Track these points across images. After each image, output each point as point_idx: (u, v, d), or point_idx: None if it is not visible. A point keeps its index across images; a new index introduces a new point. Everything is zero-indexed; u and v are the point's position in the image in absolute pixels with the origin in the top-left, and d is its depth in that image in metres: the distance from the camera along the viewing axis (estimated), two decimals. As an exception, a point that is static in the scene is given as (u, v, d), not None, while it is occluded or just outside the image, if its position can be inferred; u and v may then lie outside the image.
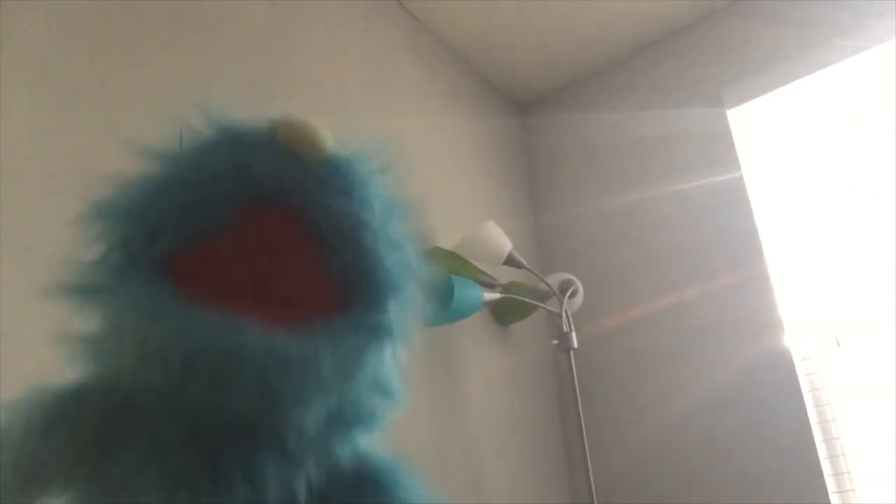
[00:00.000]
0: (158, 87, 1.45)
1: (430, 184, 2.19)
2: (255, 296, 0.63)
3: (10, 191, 1.14)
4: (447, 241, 2.14)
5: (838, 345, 2.03)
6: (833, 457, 1.96)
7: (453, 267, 1.97)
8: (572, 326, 2.02)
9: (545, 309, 2.07)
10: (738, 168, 2.29)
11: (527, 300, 2.07)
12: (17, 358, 1.02)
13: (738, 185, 2.28)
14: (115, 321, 0.59)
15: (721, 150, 2.35)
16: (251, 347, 0.56)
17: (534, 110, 2.88)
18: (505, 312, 2.24)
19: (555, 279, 2.17)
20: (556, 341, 2.01)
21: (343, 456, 0.67)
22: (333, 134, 0.72)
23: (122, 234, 0.62)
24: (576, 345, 1.98)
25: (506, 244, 2.04)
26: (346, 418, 0.66)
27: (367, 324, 0.66)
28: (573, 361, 1.98)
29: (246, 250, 0.64)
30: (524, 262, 2.07)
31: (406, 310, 0.71)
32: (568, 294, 2.09)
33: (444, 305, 1.79)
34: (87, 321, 0.60)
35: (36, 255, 1.12)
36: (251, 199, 0.65)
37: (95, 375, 0.61)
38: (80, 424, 0.58)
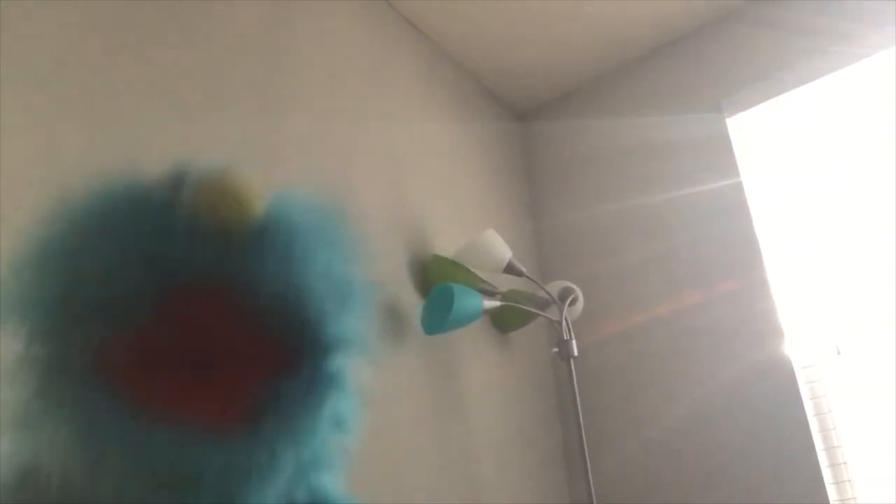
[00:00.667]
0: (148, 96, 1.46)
1: (430, 191, 2.19)
2: (194, 383, 0.59)
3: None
4: (447, 249, 2.14)
5: (839, 353, 2.02)
6: (834, 465, 1.96)
7: (453, 275, 1.97)
8: (572, 334, 2.02)
9: (545, 317, 2.07)
10: (738, 175, 2.30)
11: (527, 308, 2.07)
12: None
13: (738, 191, 2.28)
14: (55, 449, 0.55)
15: (720, 157, 2.35)
16: (209, 464, 0.54)
17: (534, 118, 2.88)
18: (505, 320, 2.24)
19: (555, 287, 2.17)
20: (556, 349, 2.01)
21: (300, 497, 0.65)
22: (264, 183, 0.66)
23: (41, 331, 0.58)
24: (576, 353, 1.98)
25: (506, 252, 2.04)
26: (303, 465, 0.64)
27: (319, 375, 0.63)
28: (573, 369, 1.97)
29: (176, 336, 0.60)
30: (524, 269, 2.07)
31: (359, 343, 0.68)
32: (568, 302, 2.09)
33: (444, 313, 1.79)
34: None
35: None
36: (174, 284, 0.61)
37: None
38: None
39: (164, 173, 0.66)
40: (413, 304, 1.94)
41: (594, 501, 1.83)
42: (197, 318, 0.61)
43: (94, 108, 1.32)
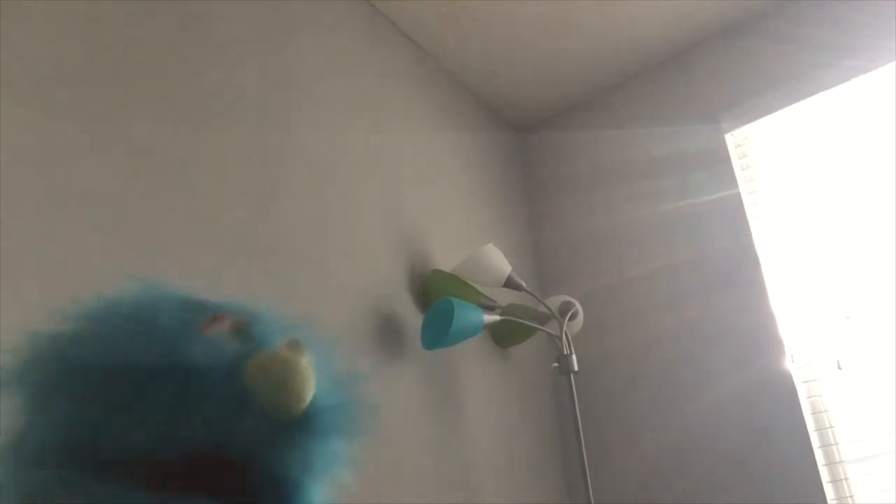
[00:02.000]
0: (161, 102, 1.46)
1: (430, 206, 2.19)
2: None
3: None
4: (447, 264, 2.14)
5: (840, 368, 2.02)
6: (836, 481, 1.95)
7: (453, 289, 1.97)
8: (572, 349, 2.01)
9: (545, 331, 2.06)
10: (737, 188, 2.30)
11: (527, 323, 2.07)
12: None
13: (737, 205, 2.28)
14: None
15: (719, 170, 2.35)
16: None
17: (533, 131, 2.89)
18: (505, 335, 2.23)
19: (554, 301, 2.16)
20: (556, 364, 2.00)
21: None
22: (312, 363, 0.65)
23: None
24: (576, 367, 1.97)
25: (505, 267, 2.03)
26: None
27: None
28: (573, 384, 1.97)
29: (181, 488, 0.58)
30: (524, 284, 2.07)
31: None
32: (568, 316, 2.08)
33: (444, 328, 1.78)
34: None
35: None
36: (200, 450, 0.59)
37: None
38: None
39: (225, 318, 0.65)
40: (413, 318, 1.93)
41: (595, 518, 1.81)
42: (205, 484, 0.59)
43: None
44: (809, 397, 2.04)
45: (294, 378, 0.63)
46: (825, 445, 1.99)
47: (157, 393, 0.58)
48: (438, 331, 1.81)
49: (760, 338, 2.12)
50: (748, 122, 2.36)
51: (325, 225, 1.78)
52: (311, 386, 0.64)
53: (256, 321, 0.67)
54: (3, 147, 1.15)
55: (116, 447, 0.57)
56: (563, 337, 2.02)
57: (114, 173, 1.33)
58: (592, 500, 1.84)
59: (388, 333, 1.84)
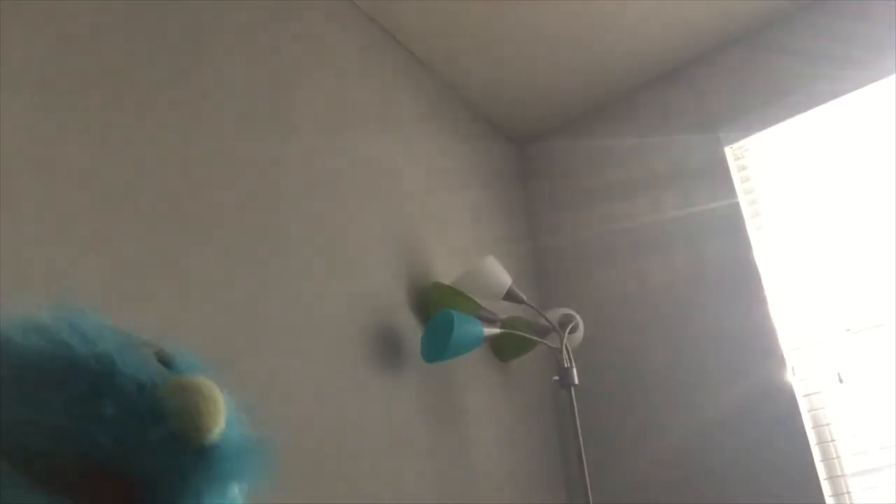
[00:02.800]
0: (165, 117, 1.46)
1: (430, 218, 2.19)
2: None
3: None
4: (447, 276, 2.14)
5: (841, 381, 2.01)
6: (838, 494, 1.94)
7: (453, 302, 1.97)
8: (573, 362, 2.01)
9: (545, 344, 2.06)
10: (736, 200, 2.30)
11: (527, 335, 2.07)
12: None
13: (737, 218, 2.28)
14: None
15: (719, 184, 2.35)
16: None
17: (532, 144, 2.90)
18: (505, 348, 2.23)
19: (555, 314, 2.16)
20: (556, 377, 2.00)
21: None
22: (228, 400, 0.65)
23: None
24: (577, 381, 1.97)
25: (506, 279, 2.03)
26: None
27: None
28: (574, 397, 1.96)
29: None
30: (524, 297, 2.07)
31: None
32: (568, 329, 2.08)
33: (444, 341, 1.78)
34: None
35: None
36: (101, 458, 0.58)
37: None
38: None
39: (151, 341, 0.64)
40: (413, 331, 1.93)
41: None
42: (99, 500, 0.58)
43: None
44: (810, 410, 2.04)
45: (210, 405, 0.61)
46: (827, 459, 1.98)
47: (66, 389, 0.57)
48: (438, 343, 1.81)
49: (761, 350, 2.11)
50: (748, 134, 2.36)
51: (325, 237, 1.78)
52: (223, 418, 0.62)
53: (179, 355, 0.66)
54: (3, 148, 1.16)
55: (15, 441, 0.55)
56: (564, 350, 2.01)
57: (111, 183, 1.33)
58: (593, 514, 1.83)
59: (388, 346, 1.83)
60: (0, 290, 1.04)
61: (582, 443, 1.92)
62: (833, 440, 1.99)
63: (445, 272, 2.15)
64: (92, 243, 1.26)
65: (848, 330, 2.04)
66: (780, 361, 2.08)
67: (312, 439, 1.52)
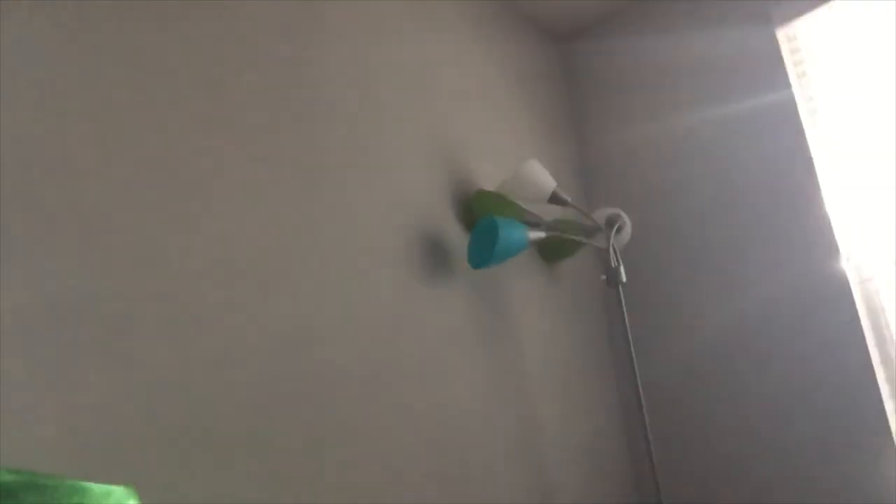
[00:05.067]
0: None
1: (471, 124, 2.18)
2: None
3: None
4: (491, 182, 2.14)
5: (896, 266, 1.98)
6: (891, 378, 1.94)
7: (497, 208, 1.98)
8: (620, 261, 2.01)
9: (592, 245, 2.06)
10: (789, 87, 2.21)
11: (573, 237, 2.07)
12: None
13: (790, 105, 2.20)
14: None
15: (770, 69, 2.26)
16: None
17: (574, 41, 2.81)
18: (551, 251, 2.24)
19: (601, 214, 2.15)
20: (604, 276, 2.01)
21: None
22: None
23: None
24: (624, 279, 1.98)
25: (550, 182, 2.03)
26: None
27: None
28: (622, 295, 1.98)
29: None
30: (569, 199, 2.06)
31: None
32: (615, 229, 2.08)
33: (490, 247, 1.80)
34: None
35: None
36: None
37: None
38: None
39: None
40: (459, 239, 1.96)
41: (647, 424, 1.86)
42: None
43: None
44: (864, 296, 2.02)
45: None
46: (881, 344, 1.97)
47: None
48: (484, 250, 1.83)
49: (814, 239, 2.08)
50: (800, 15, 2.24)
51: (367, 147, 1.79)
52: None
53: None
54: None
55: None
56: (611, 249, 2.02)
57: (148, 107, 1.36)
58: (644, 409, 1.88)
59: (434, 254, 1.87)
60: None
61: (631, 339, 1.95)
62: (887, 325, 1.98)
63: (489, 178, 2.15)
64: (145, 158, 1.30)
65: (905, 214, 1.98)
66: (834, 249, 2.04)
67: (364, 351, 1.59)
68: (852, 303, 1.98)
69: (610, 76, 2.67)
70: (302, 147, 1.62)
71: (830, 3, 2.19)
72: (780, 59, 2.26)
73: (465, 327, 1.88)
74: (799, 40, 2.28)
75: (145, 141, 1.32)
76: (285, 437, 1.36)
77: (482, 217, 1.92)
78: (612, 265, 2.00)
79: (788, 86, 2.22)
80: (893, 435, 1.87)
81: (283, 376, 1.40)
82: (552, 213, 2.32)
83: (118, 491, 0.72)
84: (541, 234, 1.97)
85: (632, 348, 1.92)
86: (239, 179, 1.46)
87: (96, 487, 0.71)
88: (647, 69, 2.57)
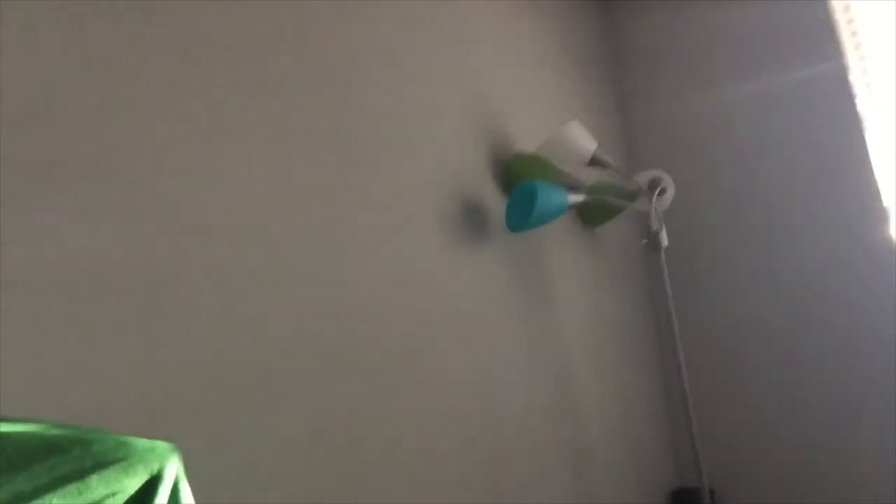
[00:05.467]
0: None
1: (511, 84, 2.14)
2: None
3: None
4: (530, 144, 2.11)
5: (952, 231, 1.91)
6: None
7: (536, 171, 1.95)
8: (662, 224, 1.97)
9: (634, 208, 2.03)
10: (842, 55, 2.13)
11: (614, 201, 2.04)
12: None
13: (841, 73, 2.12)
14: None
15: (822, 37, 2.17)
16: None
17: (619, 4, 2.73)
18: (592, 214, 2.21)
19: (643, 177, 2.11)
20: (645, 240, 1.98)
21: None
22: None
23: None
24: (666, 243, 1.94)
25: (590, 144, 1.99)
26: None
27: None
28: (664, 260, 1.94)
29: None
30: (610, 161, 2.02)
31: None
32: (657, 191, 2.03)
33: (528, 210, 1.78)
34: None
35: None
36: None
37: None
38: None
39: None
40: (497, 202, 1.94)
41: (686, 390, 1.83)
42: None
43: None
44: (918, 264, 1.96)
45: None
46: (933, 312, 1.91)
47: None
48: (522, 213, 1.81)
49: (862, 207, 2.02)
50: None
51: (406, 110, 1.77)
52: None
53: None
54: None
55: None
56: (653, 212, 1.98)
57: (197, 74, 1.36)
58: (685, 377, 1.86)
59: (473, 218, 1.85)
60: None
61: (672, 304, 1.92)
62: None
63: (528, 139, 2.12)
64: (190, 132, 1.30)
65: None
66: (882, 216, 1.98)
67: (404, 315, 1.59)
68: (904, 269, 1.92)
69: (657, 40, 2.60)
70: (342, 113, 1.61)
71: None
72: (834, 29, 2.16)
73: (503, 291, 1.86)
74: (854, 9, 2.18)
75: (195, 112, 1.32)
76: (324, 398, 1.37)
77: (521, 180, 1.90)
78: (654, 229, 1.96)
79: (841, 52, 2.13)
80: (944, 405, 1.82)
81: (320, 339, 1.41)
82: (593, 176, 2.28)
83: (161, 445, 0.74)
84: (580, 198, 1.93)
85: (673, 313, 1.89)
86: (282, 147, 1.46)
87: (140, 442, 0.72)
88: (697, 35, 2.49)
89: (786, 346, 2.09)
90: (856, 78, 2.11)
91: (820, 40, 2.18)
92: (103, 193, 1.16)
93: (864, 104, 2.09)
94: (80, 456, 0.66)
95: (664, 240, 1.95)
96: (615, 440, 2.05)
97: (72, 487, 0.64)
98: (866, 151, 2.04)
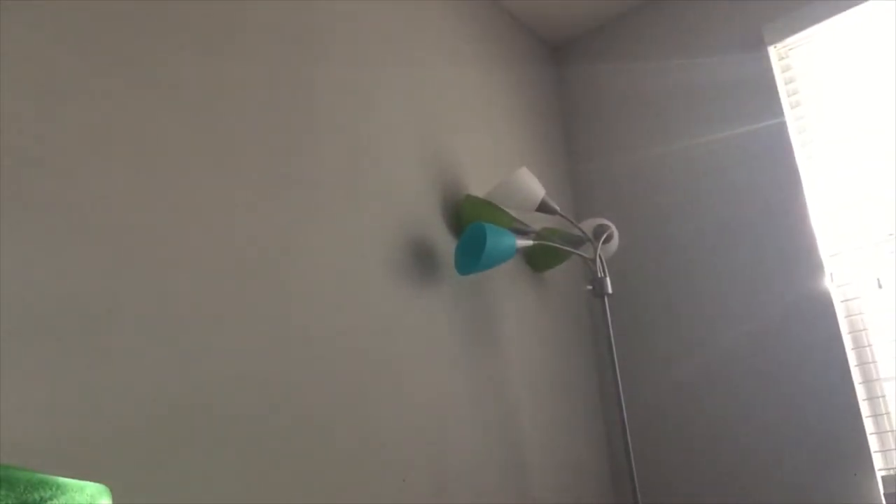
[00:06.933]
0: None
1: (463, 131, 2.18)
2: None
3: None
4: (481, 189, 2.14)
5: (880, 286, 1.99)
6: (872, 398, 1.95)
7: (486, 215, 1.98)
8: (606, 272, 2.01)
9: (579, 255, 2.06)
10: (781, 112, 2.23)
11: (560, 246, 2.07)
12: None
13: (780, 129, 2.22)
14: None
15: (762, 90, 2.28)
16: None
17: (569, 54, 2.82)
18: (539, 259, 2.24)
19: (589, 224, 2.15)
20: (590, 287, 2.02)
21: None
22: None
23: None
24: (610, 290, 1.98)
25: (539, 190, 2.02)
26: None
27: None
28: (608, 306, 1.98)
29: None
30: (557, 208, 2.06)
31: None
32: (602, 239, 2.08)
33: (477, 253, 1.80)
34: None
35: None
36: None
37: None
38: None
39: None
40: (447, 244, 1.96)
41: (628, 436, 1.85)
42: None
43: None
44: (848, 316, 2.03)
45: None
46: (862, 364, 1.98)
47: None
48: (471, 256, 1.83)
49: (799, 258, 2.09)
50: (793, 33, 2.25)
51: (358, 152, 1.78)
52: None
53: None
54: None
55: None
56: (598, 260, 2.02)
57: (143, 107, 1.35)
58: (626, 420, 1.88)
59: (422, 259, 1.86)
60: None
61: (615, 350, 1.95)
62: (870, 345, 1.99)
63: (479, 184, 2.15)
64: (136, 166, 1.28)
65: (890, 234, 2.00)
66: (819, 268, 2.06)
67: (347, 356, 1.58)
68: (836, 321, 1.99)
69: (603, 92, 2.68)
70: (293, 153, 1.61)
71: (825, 21, 2.20)
72: (772, 78, 2.27)
73: (449, 332, 1.87)
74: (791, 57, 2.30)
75: (142, 145, 1.31)
76: (265, 438, 1.35)
77: (470, 223, 1.92)
78: (599, 275, 2.00)
79: (780, 107, 2.23)
80: (873, 454, 1.88)
81: (264, 377, 1.38)
82: (541, 222, 2.32)
83: (92, 487, 0.71)
84: (528, 242, 1.96)
85: (615, 359, 1.92)
86: (231, 183, 1.45)
87: (70, 483, 0.70)
88: (643, 90, 2.57)
89: (726, 394, 2.14)
90: (794, 133, 2.21)
91: (760, 97, 2.28)
92: (39, 225, 1.13)
93: (802, 158, 2.19)
94: (4, 496, 0.64)
95: (608, 286, 1.98)
96: (557, 484, 2.05)
97: None
98: (802, 198, 2.12)
